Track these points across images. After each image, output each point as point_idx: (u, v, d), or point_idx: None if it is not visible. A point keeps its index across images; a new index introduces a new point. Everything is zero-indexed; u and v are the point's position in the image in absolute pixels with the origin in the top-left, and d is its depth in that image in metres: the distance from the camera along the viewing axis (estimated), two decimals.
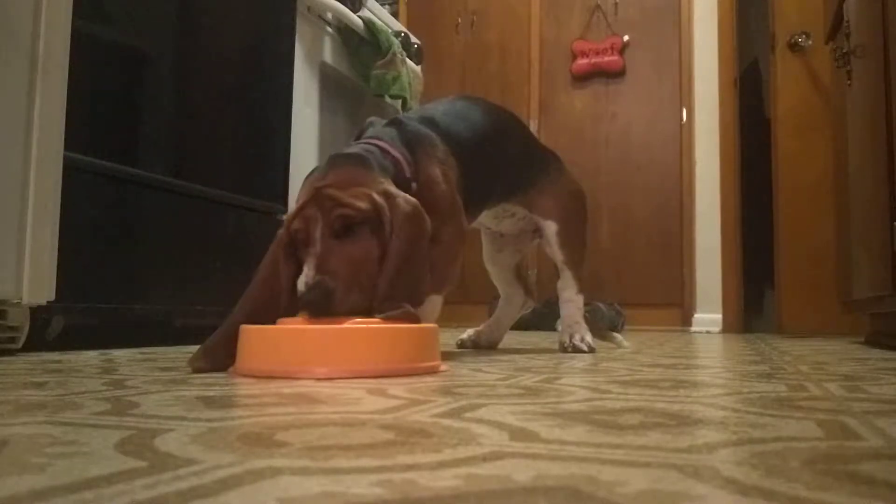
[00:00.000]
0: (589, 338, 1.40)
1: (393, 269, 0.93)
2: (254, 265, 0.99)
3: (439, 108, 1.25)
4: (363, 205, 0.93)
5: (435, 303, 1.07)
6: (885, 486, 0.33)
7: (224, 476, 0.33)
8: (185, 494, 0.30)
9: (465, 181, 1.18)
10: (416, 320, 0.92)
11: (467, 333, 1.55)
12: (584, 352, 1.36)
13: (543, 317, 2.74)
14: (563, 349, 1.38)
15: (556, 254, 1.41)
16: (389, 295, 0.91)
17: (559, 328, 1.45)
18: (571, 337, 1.39)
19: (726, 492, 0.31)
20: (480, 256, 1.54)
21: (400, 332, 0.87)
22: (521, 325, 2.65)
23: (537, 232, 1.46)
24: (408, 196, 0.99)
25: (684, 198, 3.45)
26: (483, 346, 1.53)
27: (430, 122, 1.18)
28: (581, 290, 1.43)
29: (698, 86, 3.50)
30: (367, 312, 0.90)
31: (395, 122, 1.15)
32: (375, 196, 0.95)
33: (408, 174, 1.07)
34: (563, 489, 0.31)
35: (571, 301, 1.42)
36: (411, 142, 1.11)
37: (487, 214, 1.38)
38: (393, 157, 1.06)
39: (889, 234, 1.54)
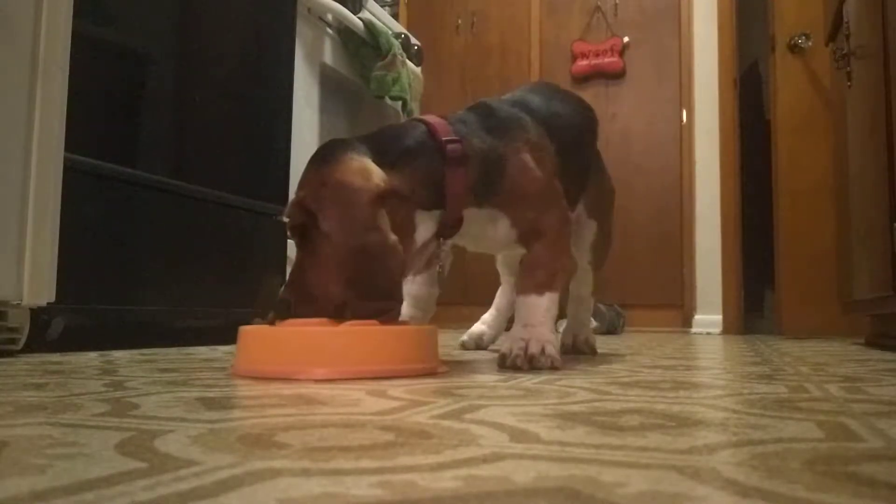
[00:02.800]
0: (592, 339, 1.36)
1: (338, 266, 0.86)
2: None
3: (527, 94, 1.15)
4: (292, 213, 0.91)
5: (550, 299, 1.00)
6: (885, 487, 0.33)
7: (224, 477, 0.33)
8: (185, 496, 0.30)
9: (561, 173, 1.07)
10: (391, 320, 0.86)
11: (468, 334, 1.52)
12: (586, 353, 1.33)
13: None
14: (565, 350, 1.35)
15: (586, 254, 1.33)
16: (352, 294, 0.86)
17: (560, 329, 1.44)
18: (575, 338, 1.35)
19: (727, 493, 0.31)
20: (479, 257, 1.53)
21: (398, 333, 0.87)
22: None
23: None
24: (336, 175, 0.88)
25: (684, 199, 3.45)
26: (484, 347, 1.50)
27: (522, 105, 1.09)
28: (595, 291, 1.37)
29: (698, 87, 3.50)
30: (339, 315, 0.87)
31: (479, 106, 1.06)
32: (305, 197, 0.89)
33: (444, 136, 0.95)
34: (563, 490, 0.31)
35: (583, 301, 1.37)
36: (497, 126, 1.02)
37: None
38: (426, 122, 0.97)
39: (889, 235, 1.54)
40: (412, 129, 0.97)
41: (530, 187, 1.00)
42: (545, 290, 1.00)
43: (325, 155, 0.92)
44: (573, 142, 1.17)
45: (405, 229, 0.93)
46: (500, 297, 1.52)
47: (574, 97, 1.28)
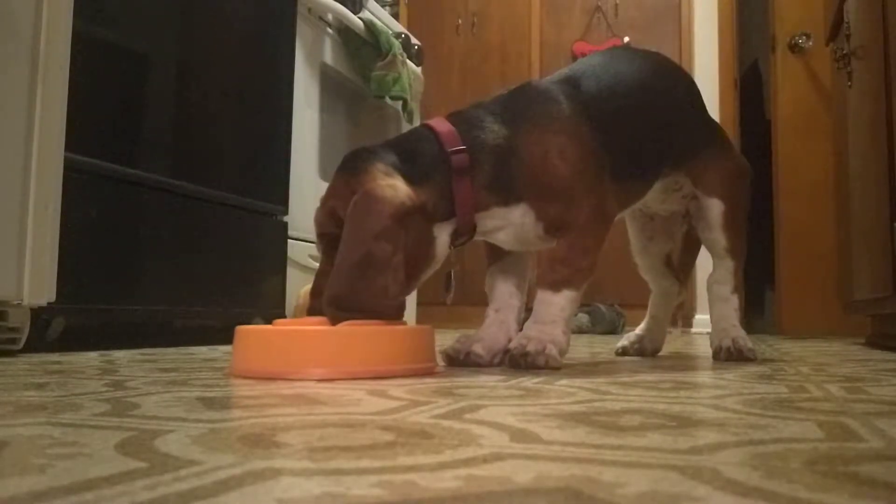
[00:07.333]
0: (750, 342, 1.17)
1: (336, 269, 0.86)
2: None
3: (590, 62, 1.12)
4: (322, 221, 0.93)
5: (567, 298, 0.96)
6: (885, 487, 0.33)
7: (224, 477, 0.33)
8: (185, 496, 0.30)
9: (620, 148, 1.03)
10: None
11: (628, 339, 1.34)
12: (750, 359, 1.13)
13: None
14: (720, 356, 1.16)
15: (719, 239, 1.20)
16: (335, 297, 0.85)
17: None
18: (734, 340, 1.16)
19: (727, 493, 0.31)
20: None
21: (395, 333, 0.87)
22: None
23: (686, 217, 1.27)
24: (367, 185, 0.88)
25: None
26: (648, 354, 1.32)
27: (569, 80, 1.05)
28: (738, 287, 1.22)
29: (699, 87, 3.50)
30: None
31: (515, 91, 1.02)
32: (336, 206, 0.91)
33: (450, 147, 0.93)
34: (563, 490, 0.31)
35: (727, 300, 1.22)
36: (519, 114, 0.97)
37: (657, 188, 1.18)
38: (434, 130, 0.95)
39: (889, 235, 1.54)
40: (426, 141, 0.95)
41: (552, 178, 0.95)
42: (562, 288, 0.96)
43: (356, 164, 0.92)
44: (647, 111, 1.11)
45: (423, 244, 0.93)
46: (655, 307, 1.39)
47: (662, 64, 1.22)
